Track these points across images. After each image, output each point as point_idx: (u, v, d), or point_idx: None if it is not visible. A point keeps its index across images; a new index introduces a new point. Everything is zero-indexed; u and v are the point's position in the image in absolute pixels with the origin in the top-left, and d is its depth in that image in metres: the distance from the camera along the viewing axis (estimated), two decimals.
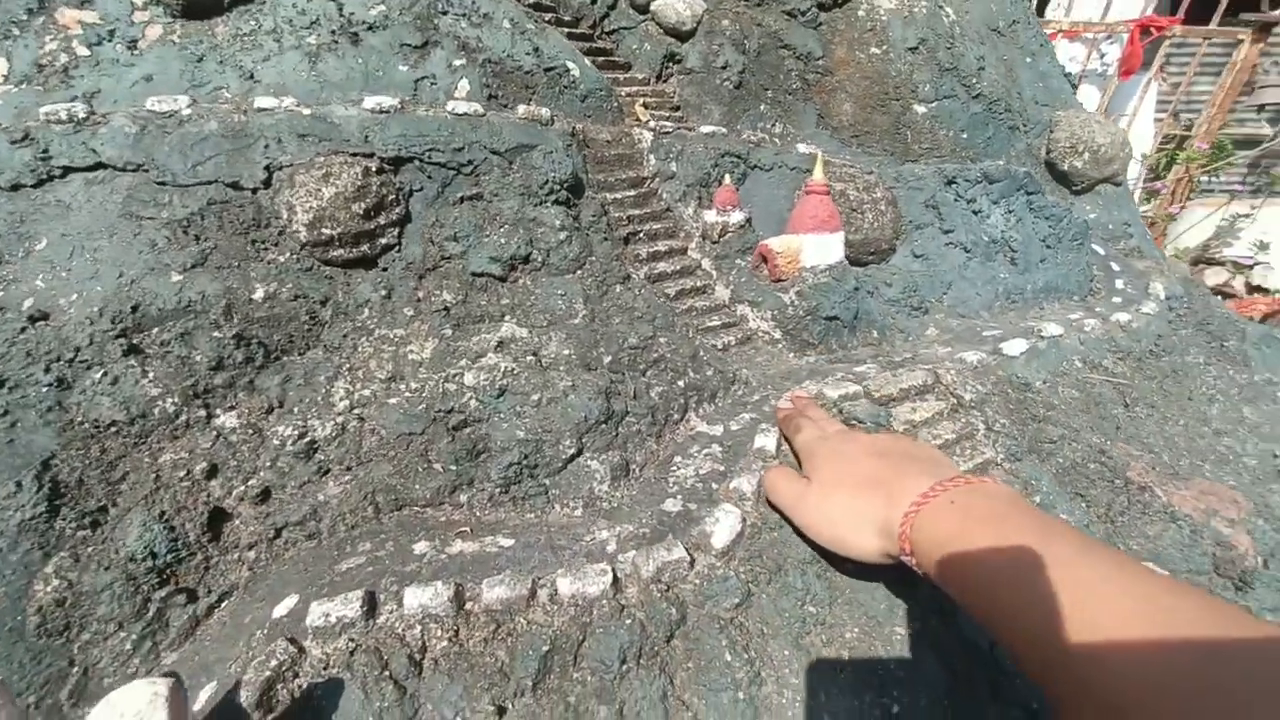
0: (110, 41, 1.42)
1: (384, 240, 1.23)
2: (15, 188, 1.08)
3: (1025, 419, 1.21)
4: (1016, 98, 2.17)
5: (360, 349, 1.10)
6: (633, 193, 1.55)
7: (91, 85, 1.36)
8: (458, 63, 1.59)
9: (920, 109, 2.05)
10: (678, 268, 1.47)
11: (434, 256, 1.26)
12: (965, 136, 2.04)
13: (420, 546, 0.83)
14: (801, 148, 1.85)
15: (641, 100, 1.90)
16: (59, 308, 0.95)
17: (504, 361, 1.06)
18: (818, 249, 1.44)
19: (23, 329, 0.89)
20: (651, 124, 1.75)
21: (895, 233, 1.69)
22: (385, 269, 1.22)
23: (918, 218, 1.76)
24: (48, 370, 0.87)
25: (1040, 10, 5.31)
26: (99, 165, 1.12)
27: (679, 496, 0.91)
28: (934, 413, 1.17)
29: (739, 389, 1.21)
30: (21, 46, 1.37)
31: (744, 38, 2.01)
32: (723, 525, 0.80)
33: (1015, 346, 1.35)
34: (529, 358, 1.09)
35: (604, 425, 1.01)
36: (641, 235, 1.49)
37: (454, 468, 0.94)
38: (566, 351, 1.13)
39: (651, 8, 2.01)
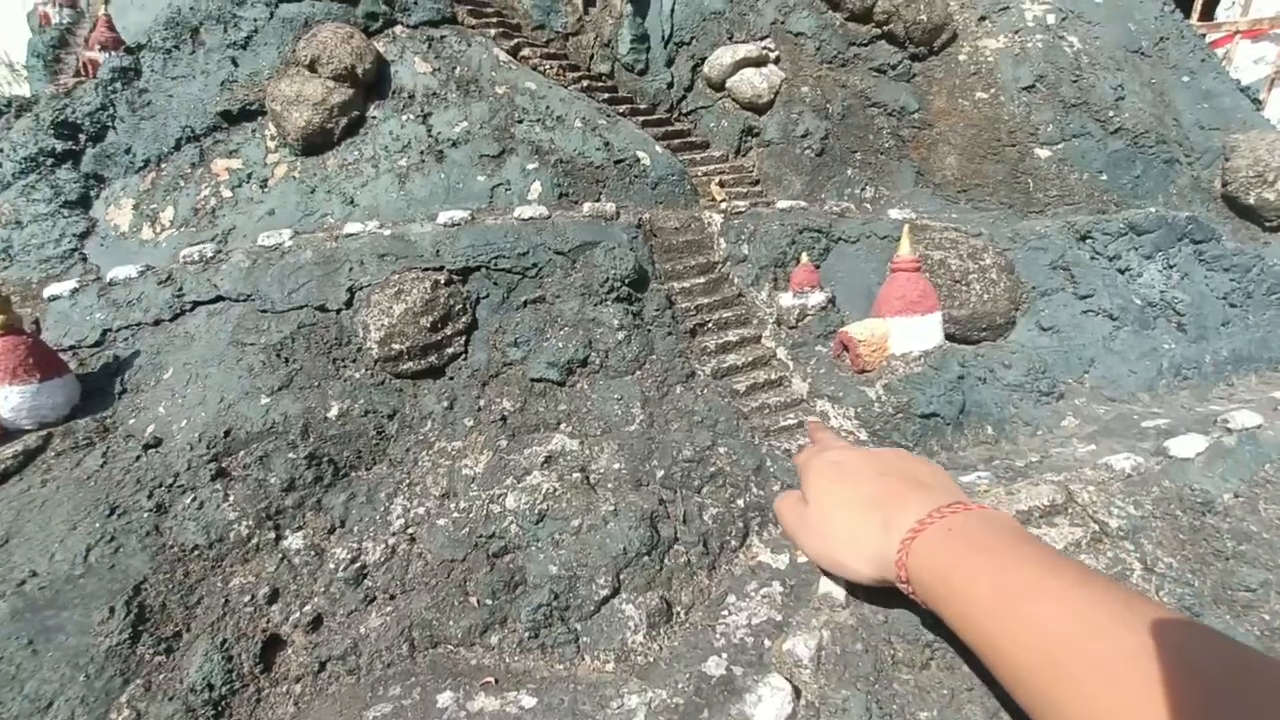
0: (248, 183, 1.67)
1: (451, 349, 1.27)
2: (158, 322, 1.27)
3: (1205, 555, 0.92)
4: (1172, 125, 1.82)
5: (420, 463, 1.13)
6: (702, 280, 1.49)
7: (229, 223, 1.59)
8: (530, 166, 1.66)
9: (1043, 152, 1.79)
10: (749, 359, 1.36)
11: (497, 363, 1.28)
12: (1105, 178, 1.74)
13: (444, 698, 0.79)
14: (894, 213, 1.68)
15: (717, 179, 1.85)
16: (170, 434, 1.07)
17: (548, 481, 1.02)
18: (908, 334, 1.26)
19: (137, 457, 1.02)
20: (723, 205, 1.69)
21: (1012, 303, 1.45)
22: (451, 378, 1.26)
23: (1042, 283, 1.50)
24: (150, 496, 0.97)
25: (1208, 13, 4.57)
26: (219, 298, 1.28)
27: (724, 654, 0.79)
28: (1065, 544, 0.93)
29: None
30: (184, 195, 1.65)
31: (825, 102, 1.91)
32: (767, 706, 0.68)
33: (1188, 444, 1.04)
34: (575, 475, 1.04)
35: (646, 557, 0.92)
36: (710, 325, 1.42)
37: (489, 602, 0.90)
38: (617, 465, 1.07)
39: (727, 84, 1.99)
